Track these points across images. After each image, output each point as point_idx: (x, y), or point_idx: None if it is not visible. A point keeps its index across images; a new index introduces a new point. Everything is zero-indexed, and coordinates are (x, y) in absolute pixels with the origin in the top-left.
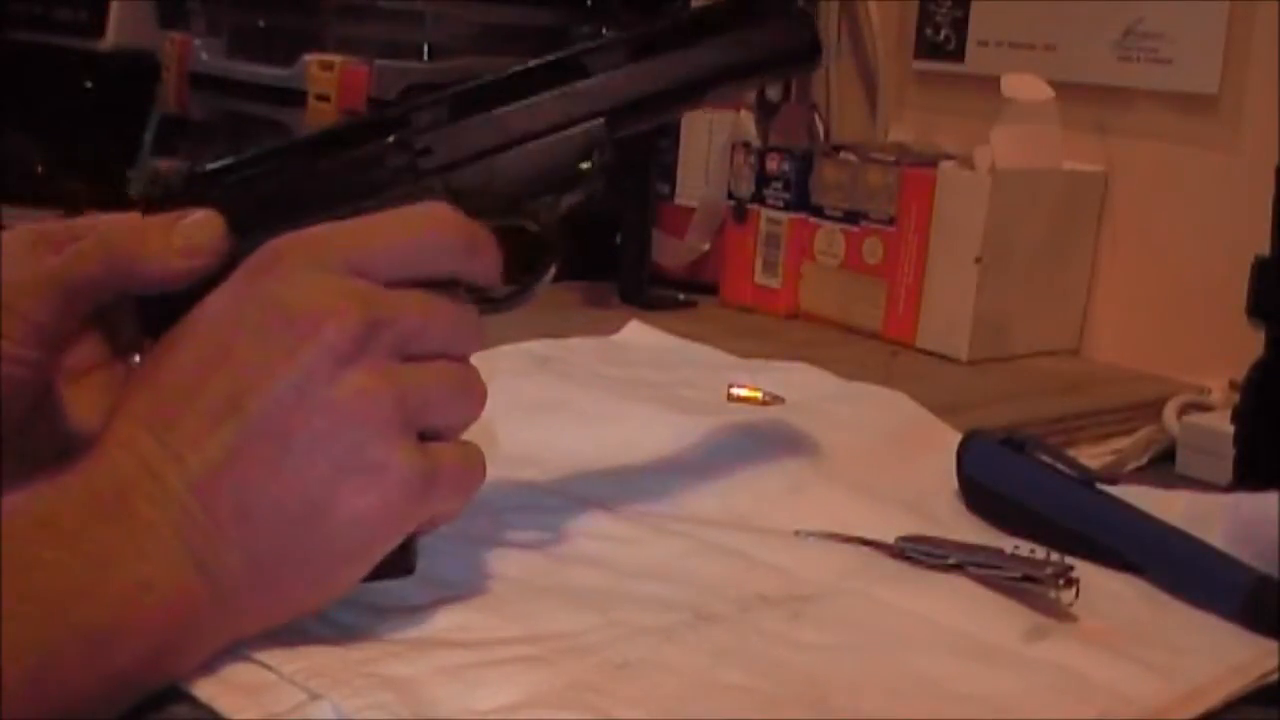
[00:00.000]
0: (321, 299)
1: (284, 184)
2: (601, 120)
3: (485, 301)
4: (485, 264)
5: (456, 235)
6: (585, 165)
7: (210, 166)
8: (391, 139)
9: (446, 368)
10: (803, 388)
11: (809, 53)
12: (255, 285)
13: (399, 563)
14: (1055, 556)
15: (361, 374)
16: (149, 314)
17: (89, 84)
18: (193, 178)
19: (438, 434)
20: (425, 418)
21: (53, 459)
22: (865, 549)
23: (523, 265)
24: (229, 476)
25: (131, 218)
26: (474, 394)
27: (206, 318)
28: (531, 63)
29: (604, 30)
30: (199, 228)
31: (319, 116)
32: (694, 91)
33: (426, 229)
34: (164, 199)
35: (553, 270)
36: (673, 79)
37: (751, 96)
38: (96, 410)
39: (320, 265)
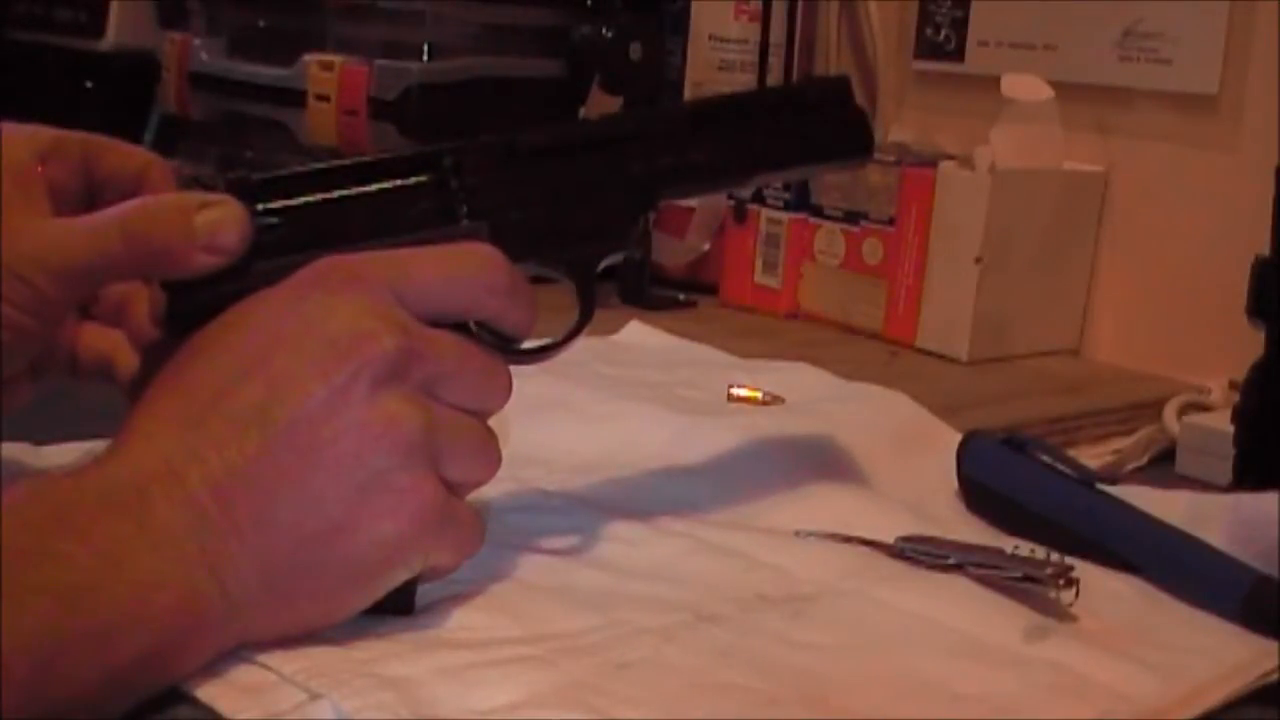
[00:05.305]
0: (362, 320)
1: (322, 207)
2: (652, 182)
3: (510, 351)
4: (522, 312)
5: (501, 278)
6: (634, 224)
7: (255, 176)
8: (428, 178)
9: (471, 423)
10: (803, 388)
11: (861, 150)
12: (299, 301)
13: (399, 601)
14: (1055, 556)
15: (395, 399)
16: (174, 301)
17: (89, 84)
18: (233, 184)
19: (449, 487)
20: (445, 463)
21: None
22: (865, 549)
23: None
24: (250, 483)
25: (148, 200)
26: (490, 458)
27: (245, 326)
28: (582, 120)
29: (604, 31)
30: (224, 226)
31: (319, 116)
32: (742, 172)
33: (472, 267)
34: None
35: (585, 330)
36: (725, 155)
37: None
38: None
39: (365, 289)
